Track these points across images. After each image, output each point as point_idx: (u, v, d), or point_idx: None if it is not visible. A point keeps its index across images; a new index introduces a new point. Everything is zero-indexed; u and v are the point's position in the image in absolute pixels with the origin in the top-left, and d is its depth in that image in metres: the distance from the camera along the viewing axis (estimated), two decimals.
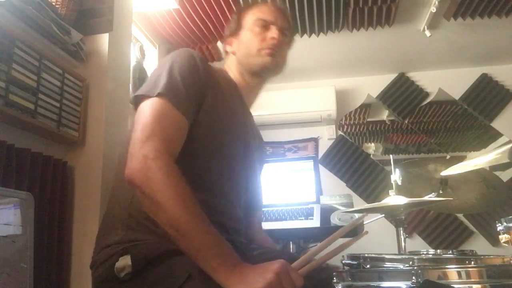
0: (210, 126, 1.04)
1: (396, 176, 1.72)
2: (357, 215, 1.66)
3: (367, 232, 1.05)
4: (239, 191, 1.13)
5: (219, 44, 2.84)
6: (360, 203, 3.18)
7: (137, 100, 0.99)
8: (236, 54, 1.24)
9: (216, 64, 2.75)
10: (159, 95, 0.94)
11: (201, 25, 2.60)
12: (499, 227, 1.45)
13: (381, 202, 1.61)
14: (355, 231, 1.65)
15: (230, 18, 1.43)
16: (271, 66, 1.19)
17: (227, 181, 1.07)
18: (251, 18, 1.22)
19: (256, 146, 1.27)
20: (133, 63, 2.17)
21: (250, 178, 1.20)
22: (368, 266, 1.08)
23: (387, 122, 3.59)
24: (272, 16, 1.21)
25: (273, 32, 1.18)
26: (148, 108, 0.95)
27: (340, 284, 0.99)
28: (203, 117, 1.03)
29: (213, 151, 1.04)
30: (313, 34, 2.85)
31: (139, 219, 0.98)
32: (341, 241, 0.98)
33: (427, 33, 2.77)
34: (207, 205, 0.96)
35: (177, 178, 0.88)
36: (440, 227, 3.27)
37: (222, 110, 1.08)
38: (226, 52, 1.30)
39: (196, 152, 1.02)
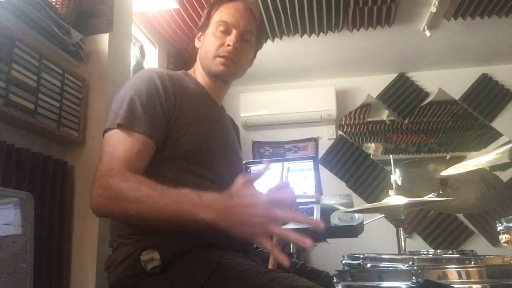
0: (188, 133, 1.06)
1: (396, 176, 1.72)
2: (357, 215, 1.66)
3: None
4: (228, 178, 1.13)
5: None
6: (360, 203, 3.18)
7: (104, 133, 1.03)
8: (199, 51, 1.24)
9: None
10: (118, 126, 0.99)
11: None
12: (499, 227, 1.45)
13: (381, 202, 1.61)
14: (355, 231, 1.65)
15: None
16: (224, 76, 1.19)
17: (212, 181, 1.09)
18: (215, 19, 1.20)
19: (233, 136, 1.29)
20: (133, 63, 2.17)
21: (235, 170, 1.20)
22: (368, 266, 1.08)
23: (387, 122, 3.59)
24: (235, 18, 1.17)
25: (230, 39, 1.16)
26: (108, 140, 1.00)
27: (340, 284, 0.99)
28: (180, 127, 1.05)
29: (198, 154, 1.07)
30: (313, 34, 2.85)
31: None
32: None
33: (427, 33, 2.77)
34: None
35: (127, 178, 0.89)
36: (440, 227, 3.27)
37: (194, 115, 1.10)
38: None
39: (181, 159, 1.05)
